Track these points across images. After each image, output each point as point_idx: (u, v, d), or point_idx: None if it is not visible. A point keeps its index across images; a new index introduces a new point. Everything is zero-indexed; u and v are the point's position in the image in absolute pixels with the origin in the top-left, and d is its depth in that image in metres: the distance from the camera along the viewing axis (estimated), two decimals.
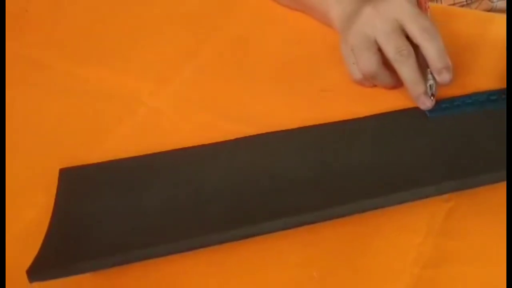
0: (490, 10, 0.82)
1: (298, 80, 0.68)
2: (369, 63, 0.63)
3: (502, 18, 0.72)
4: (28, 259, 0.53)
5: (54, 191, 0.58)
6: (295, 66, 0.70)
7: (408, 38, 0.62)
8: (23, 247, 0.55)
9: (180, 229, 0.53)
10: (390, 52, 0.62)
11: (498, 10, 0.82)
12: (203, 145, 0.61)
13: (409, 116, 0.63)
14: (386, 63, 0.63)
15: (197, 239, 0.52)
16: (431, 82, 0.62)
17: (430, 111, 0.62)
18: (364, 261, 0.52)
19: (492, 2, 0.81)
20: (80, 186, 0.59)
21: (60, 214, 0.56)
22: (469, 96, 0.63)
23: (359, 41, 0.63)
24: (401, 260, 0.52)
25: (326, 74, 0.69)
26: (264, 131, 0.62)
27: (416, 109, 0.63)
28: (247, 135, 0.62)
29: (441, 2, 0.82)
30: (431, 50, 0.61)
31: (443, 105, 0.62)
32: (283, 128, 0.62)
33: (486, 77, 0.65)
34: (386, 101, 0.64)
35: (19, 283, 0.52)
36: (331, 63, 0.70)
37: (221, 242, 0.52)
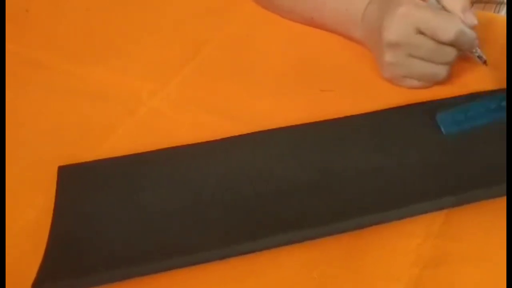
0: None
1: (298, 80, 0.68)
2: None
3: (502, 18, 0.72)
4: (27, 259, 0.54)
5: (54, 191, 0.58)
6: (295, 66, 0.70)
7: None
8: (23, 247, 0.55)
9: (181, 241, 0.53)
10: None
11: None
12: (202, 143, 0.61)
13: (413, 114, 0.62)
14: None
15: (198, 256, 0.52)
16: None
17: (445, 126, 0.61)
18: (364, 262, 0.52)
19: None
20: (79, 185, 0.59)
21: (61, 218, 0.56)
22: (480, 103, 0.62)
23: (416, 40, 0.62)
24: (401, 261, 0.52)
25: (326, 74, 0.69)
26: None
27: (420, 106, 0.63)
28: None
29: None
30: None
31: (457, 118, 0.61)
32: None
33: (487, 77, 0.65)
34: (387, 101, 0.64)
35: (19, 283, 0.52)
36: (331, 63, 0.70)
37: (221, 258, 0.52)
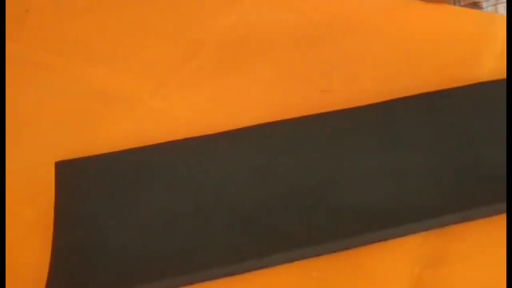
0: None
1: (298, 80, 0.68)
2: None
3: (502, 18, 0.72)
4: (28, 259, 0.54)
5: (53, 190, 0.58)
6: (295, 66, 0.70)
7: None
8: (23, 247, 0.55)
9: (185, 258, 0.52)
10: None
11: None
12: (203, 136, 0.61)
13: (414, 111, 0.62)
14: None
15: (201, 274, 0.51)
16: None
17: None
18: (364, 262, 0.52)
19: (481, 8, 0.81)
20: (79, 182, 0.58)
21: (62, 223, 0.55)
22: None
23: None
24: (401, 260, 0.52)
25: (326, 74, 0.69)
26: None
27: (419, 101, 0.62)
28: None
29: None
30: None
31: None
32: None
33: (487, 77, 0.65)
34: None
35: (19, 283, 0.52)
36: (331, 63, 0.70)
37: (224, 276, 0.51)
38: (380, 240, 0.52)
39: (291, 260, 0.52)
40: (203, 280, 0.51)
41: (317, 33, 0.73)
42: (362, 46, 0.70)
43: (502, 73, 0.64)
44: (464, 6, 0.80)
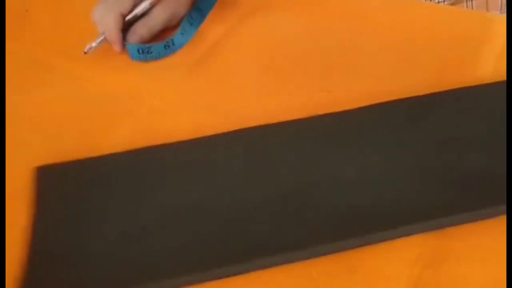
0: None
1: (298, 80, 0.68)
2: None
3: (502, 18, 0.72)
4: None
5: None
6: (294, 66, 0.70)
7: None
8: (23, 247, 0.55)
9: (181, 259, 0.52)
10: None
11: None
12: (197, 139, 0.61)
13: (410, 112, 0.62)
14: None
15: (193, 277, 0.51)
16: None
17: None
18: (364, 261, 0.52)
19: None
20: (62, 190, 0.57)
21: (42, 235, 0.54)
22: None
23: None
24: (401, 260, 0.52)
25: (326, 74, 0.69)
26: None
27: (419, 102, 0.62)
28: None
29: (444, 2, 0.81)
30: None
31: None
32: None
33: (486, 77, 0.65)
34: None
35: (19, 283, 0.52)
36: (331, 63, 0.70)
37: (218, 278, 0.51)
38: (379, 242, 0.52)
39: (291, 261, 0.52)
40: (201, 281, 0.51)
41: (316, 33, 0.73)
42: (362, 46, 0.70)
43: (502, 74, 0.64)
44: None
